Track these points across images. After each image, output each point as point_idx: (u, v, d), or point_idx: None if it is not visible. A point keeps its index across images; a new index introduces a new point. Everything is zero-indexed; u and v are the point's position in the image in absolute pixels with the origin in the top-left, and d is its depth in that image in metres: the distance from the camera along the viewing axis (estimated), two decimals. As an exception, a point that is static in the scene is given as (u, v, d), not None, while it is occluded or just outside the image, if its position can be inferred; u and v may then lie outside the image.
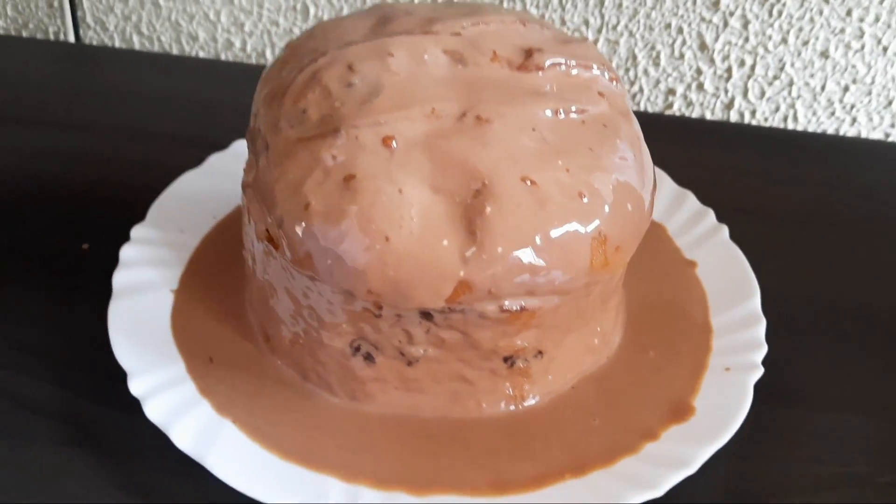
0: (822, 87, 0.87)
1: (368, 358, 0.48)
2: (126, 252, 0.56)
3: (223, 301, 0.54)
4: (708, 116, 0.90)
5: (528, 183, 0.44)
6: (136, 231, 0.57)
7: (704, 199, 0.67)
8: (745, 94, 0.89)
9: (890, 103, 0.87)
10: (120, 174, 0.68)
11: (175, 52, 0.97)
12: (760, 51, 0.86)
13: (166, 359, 0.50)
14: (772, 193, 0.72)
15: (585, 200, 0.44)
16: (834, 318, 0.59)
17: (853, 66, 0.85)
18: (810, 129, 0.89)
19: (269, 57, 0.95)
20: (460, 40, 0.49)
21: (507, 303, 0.44)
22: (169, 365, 0.50)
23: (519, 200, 0.43)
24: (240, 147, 0.65)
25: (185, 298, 0.54)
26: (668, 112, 0.91)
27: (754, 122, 0.90)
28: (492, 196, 0.43)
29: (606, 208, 0.45)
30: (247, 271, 0.54)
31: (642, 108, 0.91)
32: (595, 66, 0.49)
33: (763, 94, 0.88)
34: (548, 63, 0.48)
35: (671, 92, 0.90)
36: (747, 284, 0.56)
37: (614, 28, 0.87)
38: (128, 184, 0.67)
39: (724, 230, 0.60)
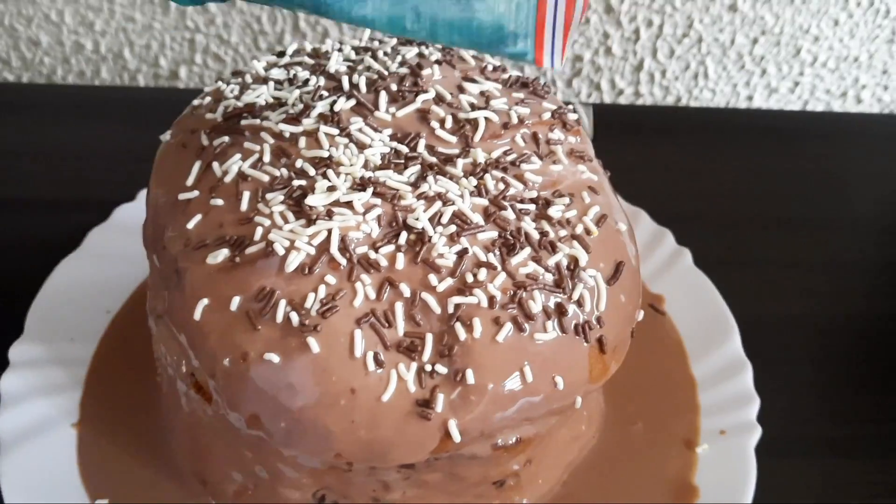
0: (732, 41, 0.81)
1: (335, 508, 0.39)
2: (7, 383, 0.44)
3: (138, 431, 0.44)
4: (617, 81, 0.83)
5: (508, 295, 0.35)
6: (16, 351, 0.46)
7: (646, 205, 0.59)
8: (654, 54, 0.82)
9: (798, 52, 0.82)
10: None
11: (14, 60, 0.82)
12: (668, 9, 0.79)
13: (83, 525, 0.40)
14: (719, 193, 0.65)
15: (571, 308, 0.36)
16: (811, 337, 0.54)
17: (762, 18, 0.79)
18: (721, 84, 0.84)
19: (128, 57, 0.81)
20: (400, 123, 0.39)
21: (500, 440, 0.36)
22: (88, 534, 0.40)
23: (500, 318, 0.35)
24: (124, 216, 0.53)
25: (90, 433, 0.44)
26: (575, 80, 0.83)
27: (664, 83, 0.84)
28: (469, 318, 0.35)
29: (602, 307, 0.37)
30: (165, 397, 0.44)
31: (550, 78, 0.83)
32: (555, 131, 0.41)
33: (672, 53, 0.82)
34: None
35: (578, 58, 0.82)
36: (723, 321, 0.50)
37: (513, -3, 0.78)
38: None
39: (687, 255, 0.54)
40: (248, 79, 0.42)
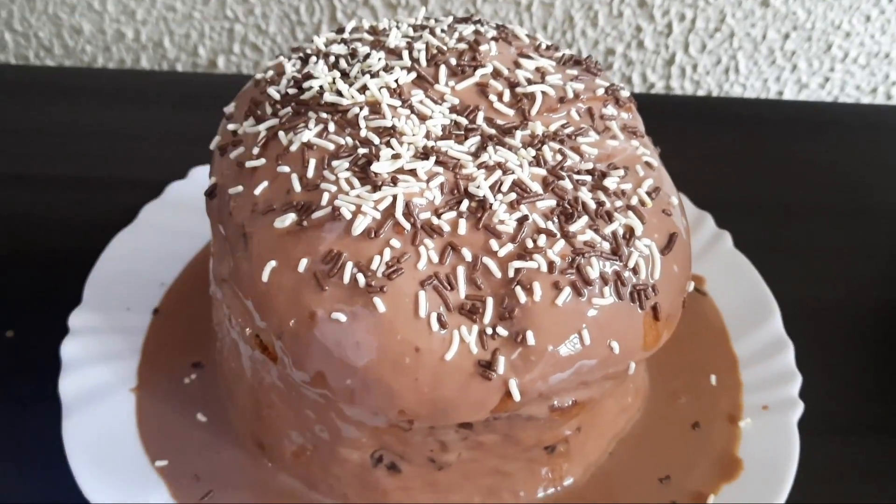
0: (763, 36, 0.82)
1: (393, 468, 0.40)
2: (69, 349, 0.46)
3: (195, 397, 0.45)
4: (649, 74, 0.85)
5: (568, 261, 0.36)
6: (75, 319, 0.47)
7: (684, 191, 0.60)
8: (685, 48, 0.83)
9: (829, 47, 0.83)
10: (30, 235, 0.56)
11: (57, 48, 0.83)
12: (701, 3, 0.80)
13: (145, 485, 0.42)
14: (756, 180, 0.67)
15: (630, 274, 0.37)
16: (848, 320, 0.55)
17: (793, 13, 0.81)
18: (752, 79, 0.85)
19: (168, 46, 0.83)
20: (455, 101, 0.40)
21: (557, 402, 0.38)
22: (150, 492, 0.41)
23: (560, 283, 0.36)
24: (176, 192, 0.55)
25: (148, 398, 0.45)
26: (607, 73, 0.84)
27: (695, 77, 0.85)
28: (529, 282, 0.36)
29: (657, 276, 0.38)
30: (224, 364, 0.45)
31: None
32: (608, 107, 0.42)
33: (704, 47, 0.83)
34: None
35: (610, 52, 0.83)
36: (764, 301, 0.51)
37: (548, -11, 0.79)
38: (43, 246, 0.55)
39: (727, 238, 0.55)
40: (309, 53, 0.43)
